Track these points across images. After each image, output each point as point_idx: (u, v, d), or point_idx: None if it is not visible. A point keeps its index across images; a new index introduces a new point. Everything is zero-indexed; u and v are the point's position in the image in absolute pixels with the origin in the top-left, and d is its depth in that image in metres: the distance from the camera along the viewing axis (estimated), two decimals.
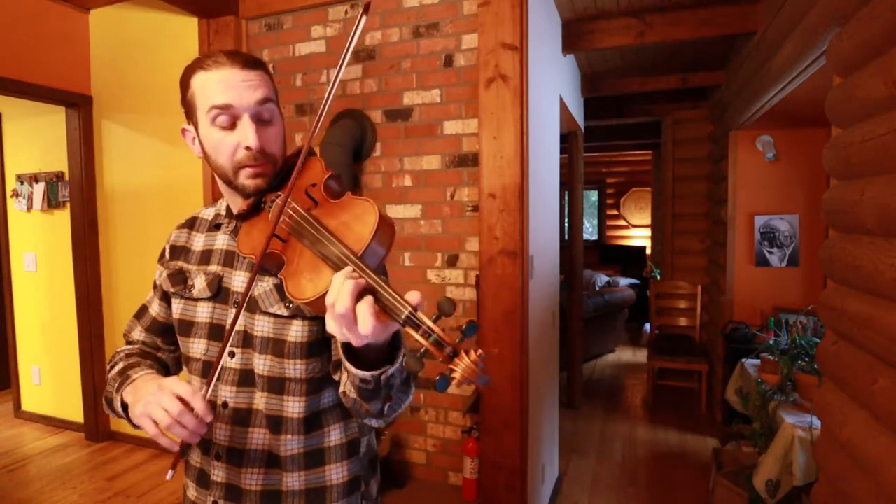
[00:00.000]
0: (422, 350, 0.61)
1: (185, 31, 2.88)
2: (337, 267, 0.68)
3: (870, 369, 1.27)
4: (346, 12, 2.47)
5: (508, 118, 2.12)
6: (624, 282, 6.63)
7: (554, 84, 2.91)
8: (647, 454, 3.46)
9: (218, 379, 0.90)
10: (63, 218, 3.38)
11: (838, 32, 1.50)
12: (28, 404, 3.71)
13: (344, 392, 0.82)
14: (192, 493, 0.97)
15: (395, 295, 0.63)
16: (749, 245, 3.67)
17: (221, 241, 0.97)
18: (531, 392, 2.31)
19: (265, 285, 0.90)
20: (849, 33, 1.42)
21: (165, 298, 1.00)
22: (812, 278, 3.54)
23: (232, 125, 0.83)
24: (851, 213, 1.39)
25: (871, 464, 1.22)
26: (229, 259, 0.94)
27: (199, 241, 0.99)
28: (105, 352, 3.34)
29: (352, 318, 0.62)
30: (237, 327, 0.90)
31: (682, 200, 4.92)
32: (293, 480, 0.90)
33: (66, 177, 3.32)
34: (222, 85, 0.82)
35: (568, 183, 4.49)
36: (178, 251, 1.00)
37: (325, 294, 0.66)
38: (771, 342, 2.65)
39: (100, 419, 3.33)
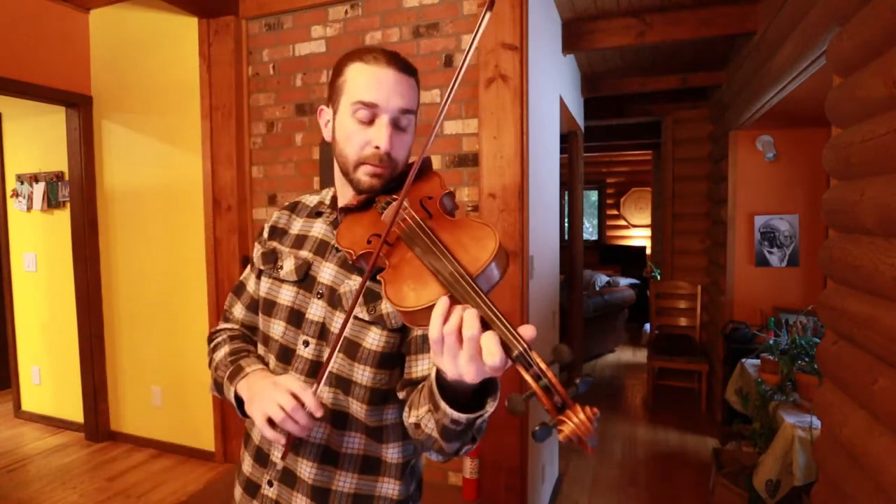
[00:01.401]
0: (528, 393, 0.56)
1: (185, 31, 2.88)
2: (448, 283, 0.64)
3: (870, 369, 1.27)
4: (346, 12, 2.47)
5: (508, 118, 2.12)
6: (624, 282, 6.63)
7: (554, 84, 2.91)
8: (647, 454, 3.46)
9: (286, 363, 0.91)
10: (63, 218, 3.38)
11: (838, 32, 1.50)
12: (28, 404, 3.71)
13: (417, 424, 0.79)
14: (247, 467, 0.97)
15: (510, 327, 0.58)
16: (749, 245, 3.67)
17: (318, 229, 0.98)
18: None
19: (351, 284, 0.89)
20: (849, 33, 1.42)
21: (259, 276, 1.02)
22: (812, 278, 3.54)
23: (370, 122, 0.85)
24: (851, 213, 1.39)
25: (871, 464, 1.22)
26: (322, 248, 0.95)
27: (296, 226, 1.01)
28: (105, 352, 3.34)
29: (478, 345, 0.58)
30: (315, 318, 0.91)
31: (682, 200, 4.92)
32: (345, 481, 0.89)
33: (66, 177, 3.32)
34: (374, 81, 0.84)
35: (568, 183, 4.49)
36: (277, 232, 1.02)
37: (426, 307, 0.64)
38: (771, 342, 2.65)
39: (100, 419, 3.33)
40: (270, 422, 0.77)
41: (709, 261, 4.69)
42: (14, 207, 3.58)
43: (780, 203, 3.60)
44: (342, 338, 0.85)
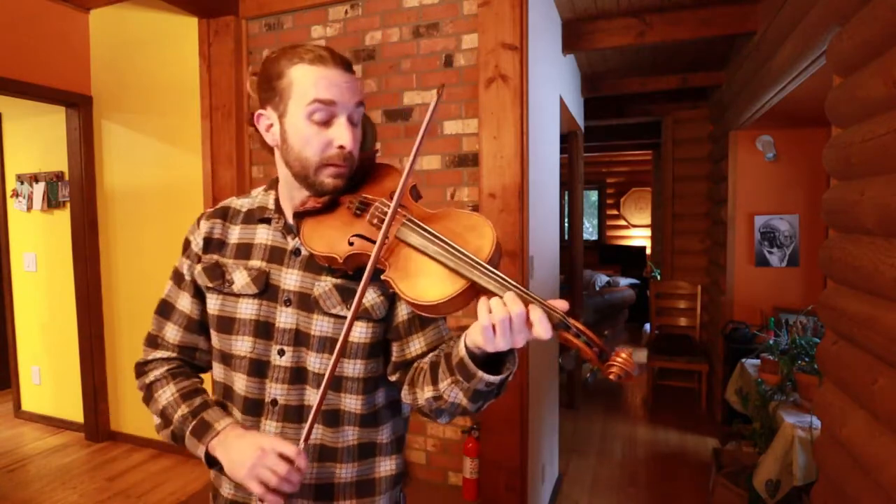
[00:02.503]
0: (574, 350, 0.68)
1: (185, 31, 2.88)
2: (464, 273, 0.70)
3: (870, 369, 1.27)
4: (346, 12, 2.47)
5: (508, 118, 2.12)
6: (624, 282, 6.63)
7: (554, 84, 2.91)
8: (647, 454, 3.46)
9: (262, 376, 0.91)
10: (63, 218, 3.38)
11: (838, 32, 1.50)
12: (28, 404, 3.71)
13: (438, 397, 0.82)
14: (226, 490, 0.95)
15: (543, 300, 0.68)
16: (749, 245, 3.67)
17: (264, 235, 0.94)
18: (531, 392, 2.31)
19: (324, 285, 0.89)
20: (849, 33, 1.42)
21: (199, 294, 0.97)
22: (812, 278, 3.54)
23: (327, 123, 0.84)
24: (851, 213, 1.39)
25: (871, 464, 1.22)
26: (276, 255, 0.92)
27: (234, 234, 0.96)
28: (105, 352, 3.34)
29: (526, 322, 0.67)
30: (287, 325, 0.90)
31: (682, 200, 4.92)
32: (346, 472, 0.91)
33: (66, 177, 3.32)
34: (326, 81, 0.83)
35: (568, 183, 4.48)
36: (213, 244, 0.96)
37: (453, 297, 0.70)
38: (771, 342, 2.65)
39: (100, 419, 3.33)
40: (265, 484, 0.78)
41: (709, 261, 4.69)
42: (14, 207, 3.58)
43: (780, 203, 3.60)
44: (314, 338, 0.89)
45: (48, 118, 3.36)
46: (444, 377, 0.80)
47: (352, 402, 0.90)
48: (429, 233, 0.75)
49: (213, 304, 0.93)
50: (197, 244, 0.97)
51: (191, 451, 0.89)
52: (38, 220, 3.51)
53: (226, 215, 0.98)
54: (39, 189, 3.42)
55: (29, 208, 3.50)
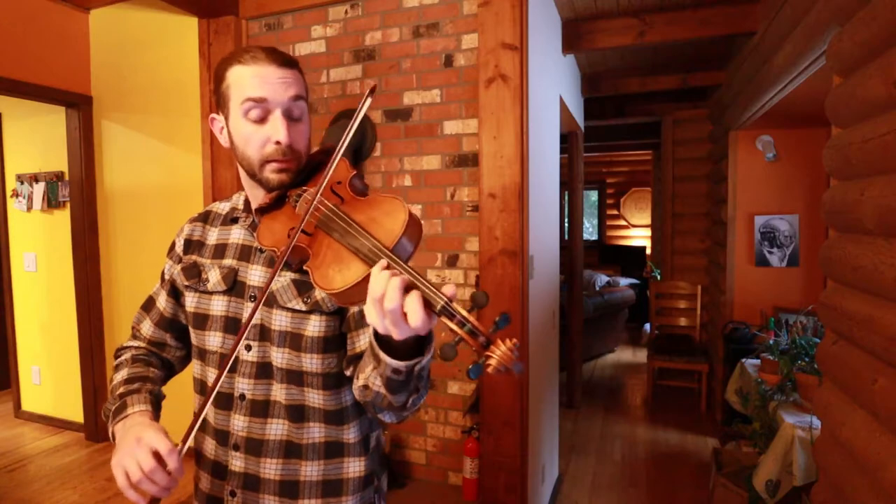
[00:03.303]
0: (456, 339, 0.62)
1: (185, 31, 2.88)
2: (368, 259, 0.69)
3: (870, 369, 1.27)
4: (346, 12, 2.47)
5: (508, 118, 2.12)
6: (624, 282, 6.63)
7: (554, 84, 2.91)
8: (647, 454, 3.46)
9: (231, 371, 0.92)
10: (63, 218, 3.38)
11: (838, 32, 1.50)
12: (28, 404, 3.71)
13: (365, 385, 0.81)
14: (205, 484, 0.97)
15: (430, 286, 0.64)
16: (749, 245, 3.67)
17: (237, 234, 0.97)
18: (531, 392, 2.31)
19: (283, 280, 0.90)
20: (849, 33, 1.42)
21: (174, 294, 1.01)
22: (812, 278, 3.54)
23: (263, 119, 0.85)
24: (851, 213, 1.39)
25: (871, 464, 1.22)
26: (245, 253, 0.95)
27: (212, 235, 1.00)
28: (105, 352, 3.34)
29: (400, 312, 0.63)
30: (254, 321, 0.90)
31: (682, 200, 4.92)
32: (312, 470, 0.91)
33: (66, 177, 3.32)
34: (258, 79, 0.84)
35: (568, 183, 4.49)
36: (193, 245, 1.00)
37: (355, 284, 0.68)
38: (771, 342, 2.65)
39: (100, 419, 3.33)
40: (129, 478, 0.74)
41: (709, 261, 4.69)
42: (14, 207, 3.59)
43: (780, 203, 3.60)
44: (274, 332, 0.89)
45: (48, 118, 3.36)
46: (368, 363, 0.79)
47: (315, 398, 0.90)
48: (345, 221, 0.74)
49: (190, 301, 0.97)
50: (179, 246, 1.02)
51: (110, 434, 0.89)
52: (38, 220, 3.51)
53: (207, 218, 1.03)
54: (39, 189, 3.42)
55: (29, 208, 3.50)
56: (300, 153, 0.88)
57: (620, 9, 3.01)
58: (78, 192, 3.24)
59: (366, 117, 2.43)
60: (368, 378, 0.80)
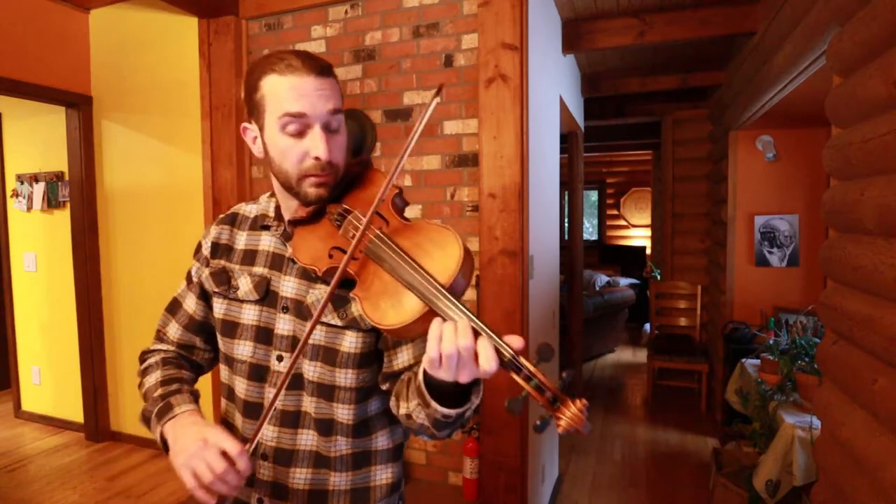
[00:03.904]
0: (523, 394, 0.62)
1: (185, 31, 2.88)
2: (424, 297, 0.67)
3: (870, 369, 1.27)
4: (346, 12, 2.47)
5: (508, 118, 2.12)
6: (624, 282, 6.63)
7: (554, 84, 2.91)
8: (647, 454, 3.46)
9: (262, 381, 0.91)
10: (63, 218, 3.38)
11: (838, 32, 1.50)
12: (28, 404, 3.71)
13: (409, 415, 0.80)
14: None
15: (496, 336, 0.63)
16: (749, 245, 3.67)
17: (267, 242, 0.95)
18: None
19: (317, 293, 0.89)
20: (849, 33, 1.42)
21: (204, 297, 0.99)
22: (812, 278, 3.54)
23: (301, 133, 0.82)
24: (851, 213, 1.39)
25: (871, 464, 1.22)
26: (277, 262, 0.93)
27: (241, 240, 0.97)
28: (105, 352, 3.34)
29: (473, 356, 0.63)
30: (283, 332, 0.90)
31: (682, 200, 4.92)
32: (340, 480, 0.90)
33: (66, 177, 3.32)
34: (295, 92, 0.80)
35: (568, 183, 4.49)
36: (220, 249, 0.98)
37: (410, 323, 0.67)
38: (771, 342, 2.65)
39: (100, 419, 3.33)
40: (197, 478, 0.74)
41: (709, 261, 4.69)
42: (14, 207, 3.58)
43: (780, 203, 3.60)
44: (308, 345, 0.87)
45: (48, 118, 3.36)
46: (412, 397, 0.78)
47: (343, 413, 0.89)
48: (395, 250, 0.72)
49: (219, 308, 0.95)
50: (206, 248, 0.99)
51: (152, 432, 0.88)
52: (38, 220, 3.51)
53: (234, 221, 1.00)
54: (39, 189, 3.42)
55: (29, 208, 3.50)
56: (339, 167, 0.86)
57: (620, 9, 3.01)
58: (78, 192, 3.24)
59: (366, 116, 2.43)
60: (413, 411, 0.78)
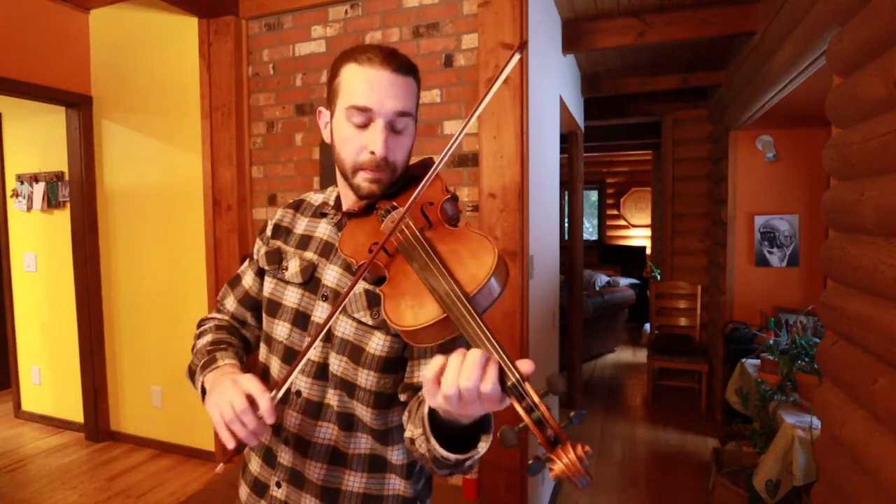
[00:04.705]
0: (521, 426, 0.55)
1: (184, 31, 2.88)
2: (444, 303, 0.63)
3: (870, 369, 1.27)
4: (346, 12, 2.47)
5: (508, 118, 2.12)
6: (624, 282, 6.63)
7: (554, 84, 2.91)
8: (647, 454, 3.46)
9: (300, 371, 0.90)
10: (63, 218, 3.38)
11: (838, 32, 1.50)
12: (28, 404, 3.71)
13: (412, 440, 0.77)
14: (255, 467, 0.97)
15: (506, 356, 0.58)
16: (749, 245, 3.67)
17: (323, 230, 0.97)
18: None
19: (355, 288, 0.88)
20: (849, 33, 1.42)
21: (261, 274, 1.02)
22: (812, 278, 3.54)
23: (365, 125, 0.83)
24: (851, 213, 1.39)
25: (871, 464, 1.22)
26: (327, 250, 0.94)
27: (301, 225, 1.00)
28: (105, 352, 3.34)
29: (478, 397, 0.57)
30: (319, 320, 0.90)
31: (682, 200, 4.92)
32: (354, 481, 0.89)
33: (66, 177, 3.32)
34: (367, 85, 0.81)
35: (568, 183, 4.49)
36: (281, 231, 1.01)
37: (425, 327, 0.64)
38: (771, 342, 2.65)
39: (99, 419, 3.33)
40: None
41: (709, 261, 4.69)
42: (14, 207, 3.58)
43: (780, 203, 3.60)
44: (336, 337, 0.86)
45: (48, 118, 3.36)
46: (418, 424, 0.73)
47: (363, 413, 0.88)
48: (426, 250, 0.70)
49: (268, 286, 0.98)
50: (269, 228, 1.03)
51: (196, 388, 0.89)
52: (38, 220, 3.51)
53: (299, 207, 1.03)
54: (39, 189, 3.42)
55: (29, 208, 3.50)
56: (396, 166, 0.85)
57: (620, 9, 3.01)
58: (78, 192, 3.24)
59: None
60: (416, 439, 0.75)
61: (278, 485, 0.92)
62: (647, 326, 6.67)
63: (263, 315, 0.98)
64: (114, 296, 3.30)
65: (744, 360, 2.92)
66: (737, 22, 2.92)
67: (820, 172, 3.46)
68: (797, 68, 2.20)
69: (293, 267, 0.94)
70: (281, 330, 0.93)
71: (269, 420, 0.73)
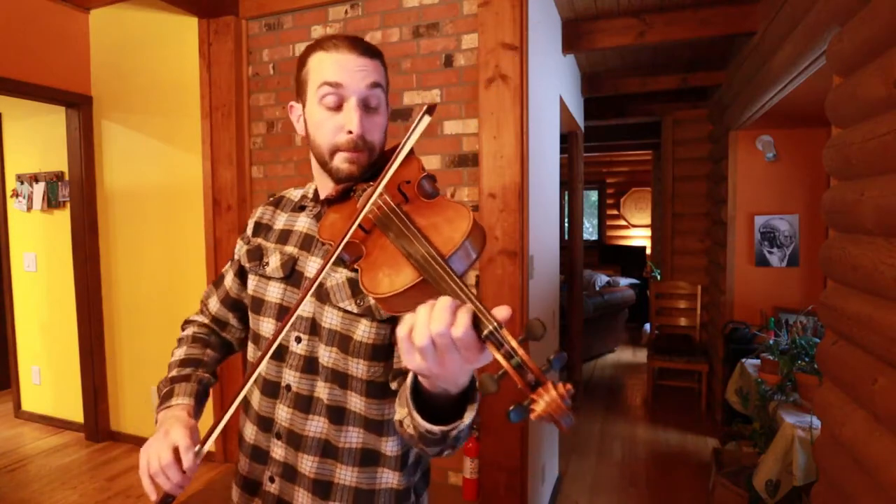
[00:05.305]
0: (500, 372, 0.54)
1: (184, 31, 2.88)
2: (420, 266, 0.63)
3: (870, 369, 1.27)
4: (346, 12, 2.47)
5: (508, 118, 2.12)
6: (624, 282, 6.63)
7: (554, 84, 2.91)
8: (647, 454, 3.46)
9: (280, 360, 0.91)
10: (63, 218, 3.38)
11: (838, 32, 1.50)
12: (28, 404, 3.71)
13: (400, 423, 0.77)
14: (243, 467, 0.97)
15: (481, 306, 0.56)
16: (749, 245, 3.67)
17: (303, 223, 0.97)
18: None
19: (338, 277, 0.88)
20: (849, 33, 1.42)
21: (241, 274, 1.02)
22: (812, 278, 3.54)
23: (338, 107, 0.83)
24: (851, 213, 1.39)
25: (871, 464, 1.22)
26: (307, 243, 0.94)
27: (281, 220, 1.00)
28: (105, 352, 3.34)
29: (448, 341, 0.55)
30: (305, 314, 0.90)
31: (682, 200, 4.92)
32: (346, 474, 0.89)
33: (66, 177, 3.32)
34: (336, 66, 0.83)
35: (568, 183, 4.49)
36: (261, 228, 1.01)
37: (401, 292, 0.63)
38: (771, 342, 2.65)
39: (99, 419, 3.33)
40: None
41: (709, 261, 4.69)
42: (14, 207, 3.58)
43: (780, 203, 3.60)
44: (324, 329, 0.87)
45: (48, 118, 3.36)
46: (404, 405, 0.73)
47: (357, 403, 0.88)
48: (403, 222, 0.70)
49: (251, 284, 0.98)
50: (250, 227, 1.03)
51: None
52: (38, 220, 3.51)
53: (279, 203, 1.04)
54: (39, 189, 3.42)
55: (29, 208, 3.50)
56: (373, 145, 0.86)
57: (620, 9, 3.01)
58: (78, 192, 3.24)
59: None
60: (404, 420, 0.75)
61: (271, 479, 0.92)
62: (647, 326, 6.67)
63: (250, 314, 0.98)
64: (114, 296, 3.30)
65: (744, 360, 2.92)
66: (737, 22, 2.92)
67: (820, 172, 3.46)
68: (797, 68, 2.20)
69: (274, 262, 0.94)
70: (267, 326, 0.93)
71: (192, 474, 0.77)
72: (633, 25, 3.06)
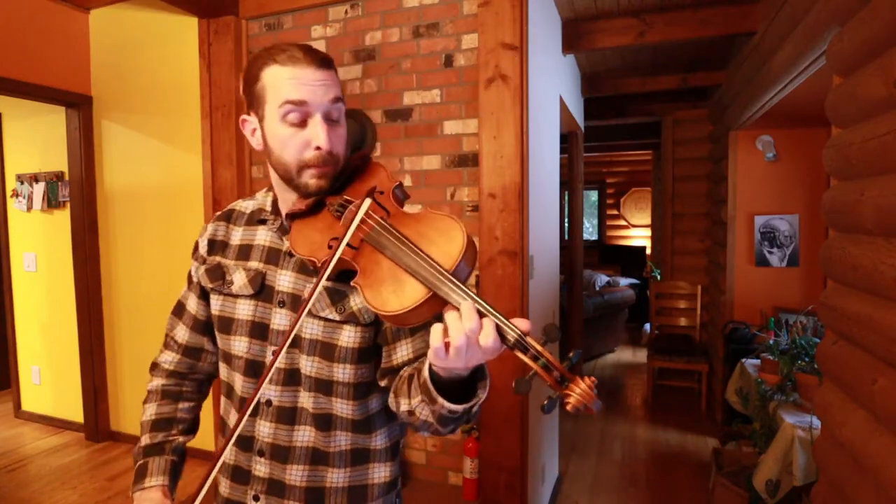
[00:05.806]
0: (531, 373, 0.62)
1: (184, 31, 2.88)
2: (427, 282, 0.66)
3: (870, 369, 1.27)
4: (346, 12, 2.47)
5: (508, 118, 2.12)
6: (624, 282, 6.63)
7: (554, 84, 2.91)
8: (647, 454, 3.46)
9: (258, 377, 0.91)
10: (63, 218, 3.38)
11: (838, 32, 1.50)
12: (28, 404, 3.71)
13: (411, 412, 0.80)
14: (224, 489, 0.96)
15: (502, 317, 0.64)
16: (749, 245, 3.67)
17: (263, 236, 0.95)
18: (531, 391, 2.30)
19: (316, 288, 0.89)
20: (849, 33, 1.42)
21: (204, 295, 0.99)
22: (812, 278, 3.54)
23: (302, 123, 0.82)
24: (851, 213, 1.39)
25: (871, 464, 1.22)
26: (273, 257, 0.92)
27: (237, 235, 0.97)
28: (105, 352, 3.34)
29: (476, 338, 0.63)
30: (279, 328, 0.90)
31: (682, 200, 4.92)
32: (338, 476, 0.90)
33: (66, 177, 3.32)
34: (296, 82, 0.81)
35: (568, 183, 4.49)
36: (217, 245, 0.98)
37: (413, 308, 0.67)
38: (771, 342, 2.65)
39: (100, 419, 3.33)
40: None
41: (709, 261, 4.69)
42: (14, 207, 3.58)
43: (780, 203, 3.60)
44: (304, 340, 0.87)
45: (48, 118, 3.36)
46: (416, 394, 0.78)
47: (343, 408, 0.89)
48: (397, 237, 0.72)
49: (215, 304, 0.95)
50: (203, 246, 0.99)
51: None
52: (38, 220, 3.51)
53: (230, 217, 1.00)
54: (39, 189, 3.42)
55: (29, 208, 3.50)
56: (339, 158, 0.85)
57: (620, 9, 3.01)
58: (78, 192, 3.24)
59: (366, 117, 2.43)
60: (416, 407, 0.78)
61: (256, 498, 0.91)
62: (647, 326, 6.67)
63: (217, 334, 0.96)
64: (114, 296, 3.30)
65: (744, 360, 2.92)
66: (737, 22, 2.92)
67: (820, 172, 3.46)
68: (797, 68, 2.20)
69: (239, 279, 0.92)
70: (239, 345, 0.92)
71: None
72: (633, 25, 3.06)
